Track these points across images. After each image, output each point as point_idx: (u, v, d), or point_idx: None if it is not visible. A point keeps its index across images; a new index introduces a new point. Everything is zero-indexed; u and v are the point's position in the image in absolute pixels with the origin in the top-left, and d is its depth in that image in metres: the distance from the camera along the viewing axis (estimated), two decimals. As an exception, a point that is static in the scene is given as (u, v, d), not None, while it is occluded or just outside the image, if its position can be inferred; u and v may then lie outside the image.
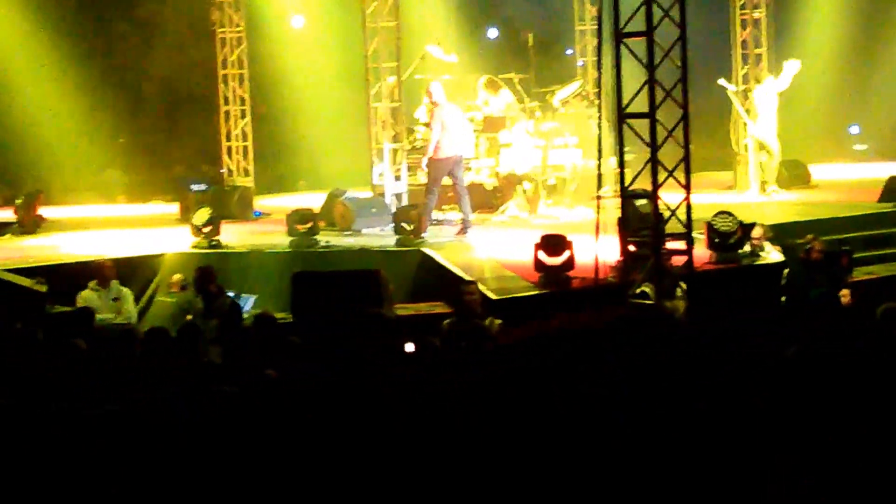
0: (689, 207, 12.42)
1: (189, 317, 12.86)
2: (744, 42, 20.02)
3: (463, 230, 16.10)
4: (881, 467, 4.30)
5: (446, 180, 16.27)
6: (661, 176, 12.29)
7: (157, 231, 17.91)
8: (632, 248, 12.65)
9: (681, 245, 12.47)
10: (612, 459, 6.08)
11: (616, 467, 6.01)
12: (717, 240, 13.82)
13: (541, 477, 5.92)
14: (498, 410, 6.95)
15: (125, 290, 13.63)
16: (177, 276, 14.72)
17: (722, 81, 19.40)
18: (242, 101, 20.08)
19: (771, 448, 4.74)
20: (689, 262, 12.48)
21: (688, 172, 12.43)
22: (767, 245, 14.17)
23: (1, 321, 11.16)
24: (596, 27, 15.40)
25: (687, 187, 12.37)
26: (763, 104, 18.93)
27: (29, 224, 18.32)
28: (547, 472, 5.93)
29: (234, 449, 7.05)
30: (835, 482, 4.27)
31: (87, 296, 13.35)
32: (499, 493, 5.87)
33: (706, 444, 5.16)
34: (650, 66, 12.18)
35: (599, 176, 13.34)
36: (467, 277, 12.90)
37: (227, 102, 20.20)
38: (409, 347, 9.36)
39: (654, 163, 12.24)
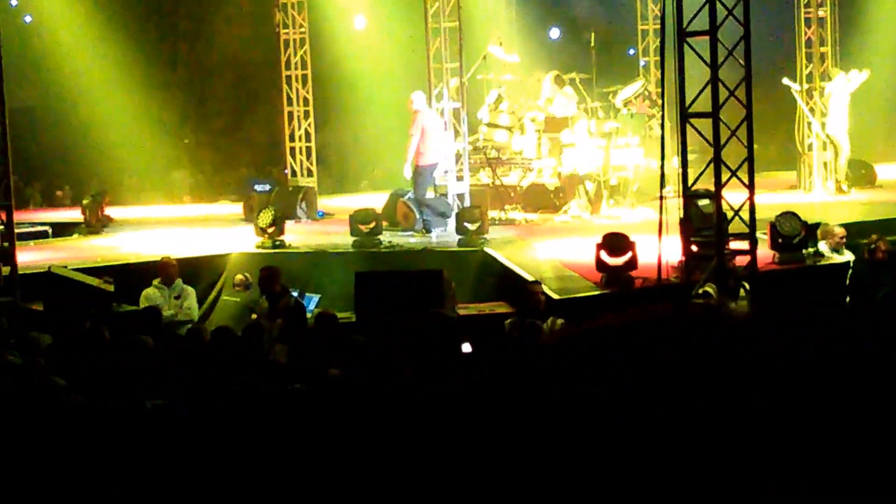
0: (752, 207, 12.34)
1: (254, 316, 12.99)
2: (808, 40, 19.85)
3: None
4: (882, 467, 4.28)
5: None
6: (725, 176, 12.23)
7: (222, 231, 18.06)
8: (694, 248, 12.61)
9: (744, 245, 12.40)
10: (612, 459, 6.12)
11: (615, 467, 6.04)
12: (780, 240, 13.73)
13: (539, 476, 5.99)
14: (494, 410, 7.03)
15: (188, 288, 13.79)
16: (239, 276, 14.86)
17: (786, 80, 19.27)
18: (306, 102, 20.21)
19: (771, 448, 4.74)
20: (753, 262, 12.40)
21: (751, 172, 12.36)
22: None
23: (70, 320, 11.30)
24: (658, 26, 15.34)
25: (751, 187, 12.30)
26: (834, 101, 18.79)
27: (96, 224, 18.60)
28: (547, 472, 6.00)
29: (299, 446, 7.14)
30: (835, 482, 4.26)
31: (150, 293, 13.54)
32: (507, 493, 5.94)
33: (706, 443, 5.17)
34: (713, 66, 12.13)
35: (662, 176, 13.28)
36: (530, 277, 12.92)
37: (290, 103, 20.34)
38: (466, 348, 9.41)
39: (717, 162, 12.19)
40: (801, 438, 4.67)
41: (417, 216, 16.54)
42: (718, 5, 12.10)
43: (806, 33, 19.87)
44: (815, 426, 4.75)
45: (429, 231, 16.44)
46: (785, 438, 4.62)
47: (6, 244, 13.15)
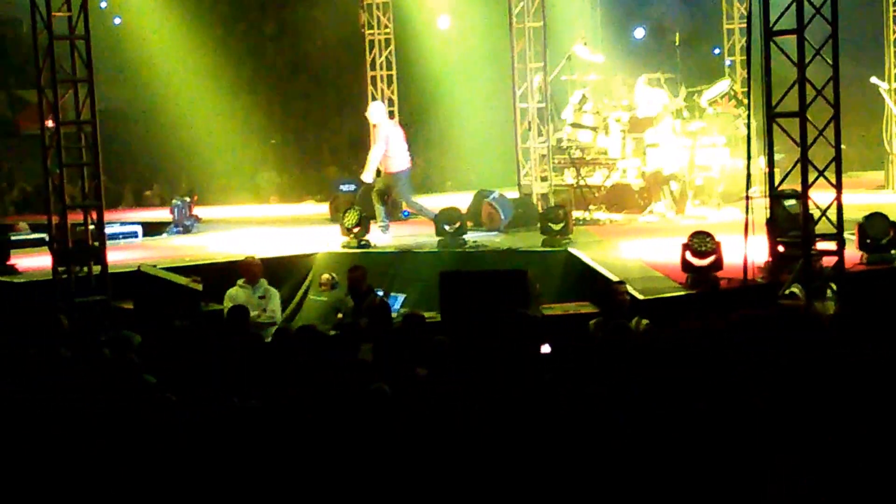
0: (840, 207, 12.20)
1: (340, 315, 13.13)
2: (896, 39, 19.58)
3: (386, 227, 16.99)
4: (881, 467, 4.25)
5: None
6: (812, 176, 12.11)
7: (308, 230, 18.24)
8: (781, 248, 12.49)
9: (831, 246, 12.27)
10: (616, 459, 6.16)
11: (619, 466, 6.08)
12: (868, 241, 13.56)
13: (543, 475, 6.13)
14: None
15: (272, 289, 13.95)
16: (325, 276, 15.00)
17: (874, 80, 19.02)
18: (391, 102, 20.36)
19: (771, 448, 4.72)
20: (840, 263, 12.26)
21: (839, 172, 12.20)
22: None
23: (159, 318, 11.50)
24: (744, 25, 15.23)
25: (838, 187, 12.15)
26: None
27: (185, 224, 18.94)
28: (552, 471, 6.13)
29: (387, 443, 7.22)
30: (835, 482, 4.23)
31: (234, 293, 13.72)
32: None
33: (708, 443, 5.16)
34: (801, 65, 12.00)
35: (749, 176, 13.18)
36: (614, 278, 12.90)
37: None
38: (546, 349, 9.41)
39: (804, 162, 12.07)
40: (801, 438, 4.64)
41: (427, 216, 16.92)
42: (806, 4, 11.97)
43: (895, 32, 19.59)
44: (815, 426, 4.72)
45: (385, 230, 16.97)
46: (785, 438, 4.60)
47: (97, 244, 13.32)
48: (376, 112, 17.43)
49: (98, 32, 13.78)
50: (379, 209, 17.09)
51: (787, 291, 11.77)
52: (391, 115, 20.18)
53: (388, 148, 16.90)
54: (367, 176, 17.09)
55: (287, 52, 23.74)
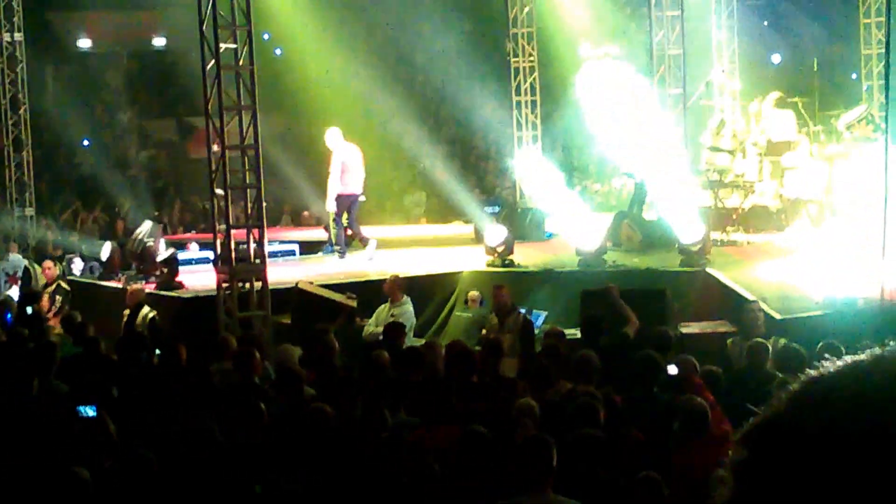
0: None
1: (484, 331, 13.53)
2: None
3: (342, 254, 17.73)
4: None
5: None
6: None
7: (454, 250, 18.59)
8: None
9: None
10: None
11: None
12: None
13: None
14: None
15: (403, 305, 14.08)
16: (473, 293, 15.44)
17: None
18: (534, 127, 20.86)
19: None
20: None
21: None
22: None
23: (317, 331, 11.88)
24: (882, 50, 15.32)
25: None
26: None
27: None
28: None
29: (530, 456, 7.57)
30: None
31: (378, 310, 14.13)
32: None
33: None
34: None
35: (886, 198, 13.26)
36: (751, 297, 13.11)
37: (519, 128, 21.04)
38: (673, 370, 9.65)
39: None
40: None
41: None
42: None
43: None
44: None
45: (342, 255, 17.65)
46: None
47: (258, 261, 13.73)
48: (331, 138, 17.78)
49: (261, 62, 14.35)
50: (334, 232, 17.73)
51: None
52: (533, 139, 20.69)
53: (343, 172, 17.42)
54: (329, 204, 17.65)
55: (435, 80, 24.36)
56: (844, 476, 1.20)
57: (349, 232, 18.10)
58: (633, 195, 17.98)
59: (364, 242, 17.85)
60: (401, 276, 14.69)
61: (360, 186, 17.90)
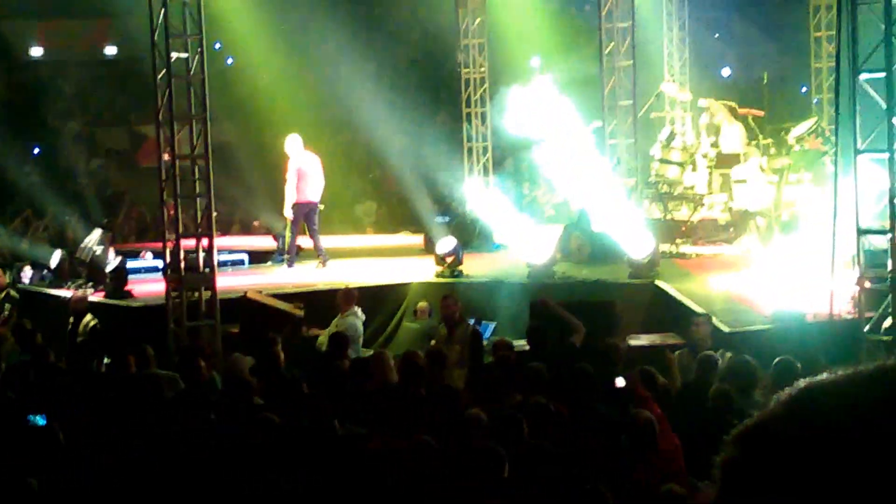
0: None
1: (433, 342, 13.50)
2: None
3: (323, 262, 17.73)
4: None
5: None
6: None
7: (403, 261, 18.59)
8: (868, 283, 12.62)
9: None
10: None
11: None
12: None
13: None
14: None
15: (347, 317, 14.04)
16: (422, 304, 15.46)
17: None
18: (485, 138, 20.89)
19: None
20: None
21: None
22: None
23: (264, 341, 11.88)
24: (833, 64, 15.43)
25: None
26: None
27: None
28: None
29: (481, 467, 7.56)
30: None
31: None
32: None
33: None
34: (889, 104, 12.10)
35: (835, 212, 13.34)
36: (699, 310, 13.18)
37: (469, 139, 21.07)
38: (620, 382, 9.67)
39: (891, 199, 12.16)
40: None
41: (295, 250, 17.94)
42: (895, 43, 12.02)
43: None
44: None
45: (291, 265, 17.79)
46: None
47: (207, 270, 13.72)
48: (290, 145, 17.90)
49: (212, 72, 14.35)
50: (287, 239, 17.79)
51: (874, 326, 11.95)
52: (484, 150, 20.72)
53: (299, 179, 17.52)
54: (286, 211, 17.70)
55: (386, 90, 24.36)
56: (831, 480, 1.24)
57: (308, 241, 18.11)
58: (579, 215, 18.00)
59: (321, 260, 17.83)
60: (352, 286, 14.66)
61: (318, 195, 17.89)
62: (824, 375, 1.35)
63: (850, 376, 1.33)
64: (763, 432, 1.32)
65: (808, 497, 1.25)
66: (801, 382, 1.36)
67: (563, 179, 17.18)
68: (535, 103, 16.78)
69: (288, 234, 17.92)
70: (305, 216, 17.76)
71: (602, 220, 17.05)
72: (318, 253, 17.96)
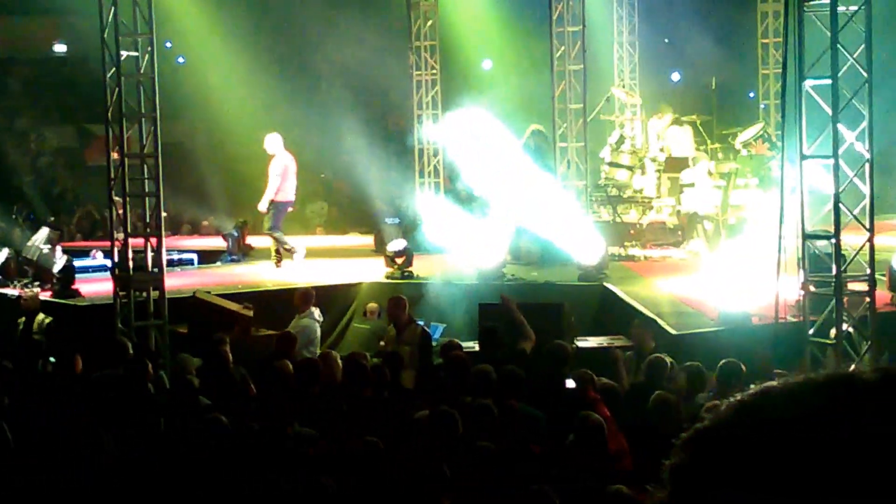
0: (871, 248, 12.35)
1: (382, 343, 13.51)
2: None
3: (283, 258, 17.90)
4: None
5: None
6: (844, 218, 12.31)
7: (353, 262, 18.59)
8: (812, 288, 12.73)
9: (863, 286, 12.49)
10: None
11: None
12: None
13: None
14: None
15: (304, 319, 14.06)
16: (372, 305, 15.44)
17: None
18: (435, 140, 20.91)
19: None
20: (872, 302, 12.50)
21: (871, 214, 12.38)
22: None
23: (212, 342, 11.83)
24: (780, 71, 15.57)
25: (870, 229, 12.34)
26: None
27: (238, 253, 19.55)
28: None
29: (426, 469, 7.59)
30: None
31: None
32: None
33: None
34: (834, 111, 12.20)
35: (781, 216, 13.44)
36: (647, 312, 13.26)
37: (421, 141, 21.09)
38: (570, 384, 9.73)
39: (836, 205, 12.27)
40: None
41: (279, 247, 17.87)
42: (840, 50, 12.14)
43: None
44: None
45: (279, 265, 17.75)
46: None
47: (156, 270, 13.63)
48: (274, 143, 18.01)
49: (163, 71, 14.19)
50: (278, 239, 17.84)
51: (818, 330, 12.07)
52: (435, 152, 20.75)
53: (284, 178, 17.68)
54: (262, 204, 17.80)
55: (338, 91, 24.33)
56: (779, 485, 1.25)
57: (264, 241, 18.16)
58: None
59: (285, 256, 17.87)
60: (310, 287, 14.65)
61: (292, 195, 18.05)
62: (775, 382, 1.36)
63: (801, 383, 1.34)
64: (712, 437, 1.32)
65: (757, 502, 1.26)
66: (752, 388, 1.37)
67: (501, 202, 17.10)
68: (467, 135, 16.88)
69: (274, 240, 17.89)
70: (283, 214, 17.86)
71: (548, 229, 17.10)
72: (287, 248, 18.00)
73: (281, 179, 17.69)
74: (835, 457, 1.24)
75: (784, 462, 1.26)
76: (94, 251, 19.67)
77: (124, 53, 13.37)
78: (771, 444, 1.27)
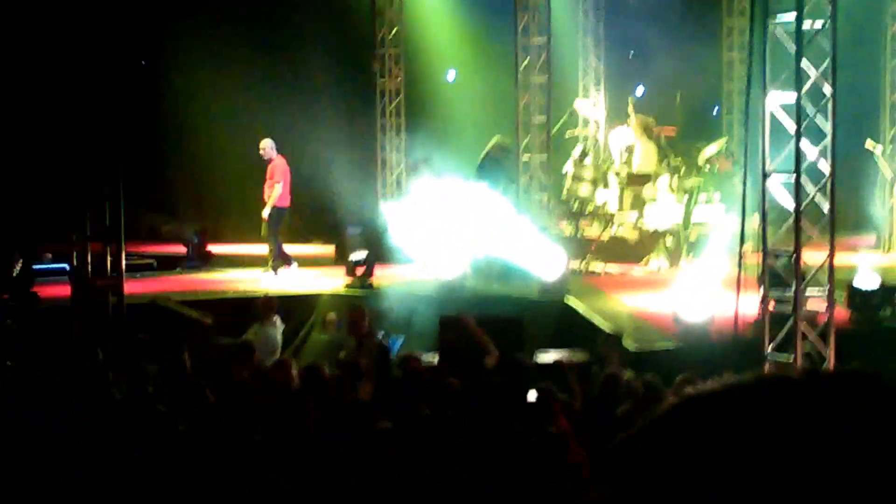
0: (831, 266, 12.35)
1: (341, 354, 13.41)
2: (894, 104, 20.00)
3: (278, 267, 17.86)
4: None
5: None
6: (805, 236, 12.32)
7: (313, 271, 18.53)
8: (772, 303, 12.76)
9: (822, 303, 12.49)
10: None
11: None
12: (857, 300, 13.92)
13: None
14: None
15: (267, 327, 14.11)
16: (331, 315, 15.35)
17: (869, 144, 19.36)
18: (398, 150, 20.84)
19: None
20: (830, 320, 12.52)
21: (832, 232, 12.39)
22: None
23: (170, 350, 11.76)
24: (744, 86, 15.60)
25: (831, 246, 12.35)
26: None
27: (199, 259, 19.39)
28: None
29: (390, 481, 7.54)
30: None
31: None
32: None
33: None
34: (798, 126, 12.19)
35: (742, 233, 13.48)
36: (607, 328, 13.24)
37: (384, 150, 21.00)
38: (532, 396, 9.69)
39: (797, 221, 12.27)
40: None
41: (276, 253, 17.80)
42: (805, 66, 12.12)
43: (893, 97, 20.02)
44: None
45: (276, 272, 17.70)
46: None
47: (115, 275, 13.48)
48: (270, 148, 18.04)
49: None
50: (272, 245, 17.86)
51: (777, 348, 12.09)
52: (397, 162, 20.68)
53: (285, 183, 17.75)
54: (266, 212, 17.80)
55: (301, 99, 24.23)
56: (707, 485, 1.29)
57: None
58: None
59: (283, 263, 17.80)
60: (272, 294, 14.57)
61: (288, 201, 18.05)
62: (707, 384, 1.40)
63: (729, 386, 1.38)
64: (646, 438, 1.35)
65: (690, 498, 1.29)
66: (689, 389, 1.42)
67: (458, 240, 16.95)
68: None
69: (272, 245, 17.76)
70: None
71: (508, 251, 16.99)
72: (280, 256, 17.89)
73: (283, 185, 17.43)
74: (762, 450, 1.28)
75: (711, 463, 1.30)
76: (44, 253, 19.50)
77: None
78: (698, 445, 1.32)
